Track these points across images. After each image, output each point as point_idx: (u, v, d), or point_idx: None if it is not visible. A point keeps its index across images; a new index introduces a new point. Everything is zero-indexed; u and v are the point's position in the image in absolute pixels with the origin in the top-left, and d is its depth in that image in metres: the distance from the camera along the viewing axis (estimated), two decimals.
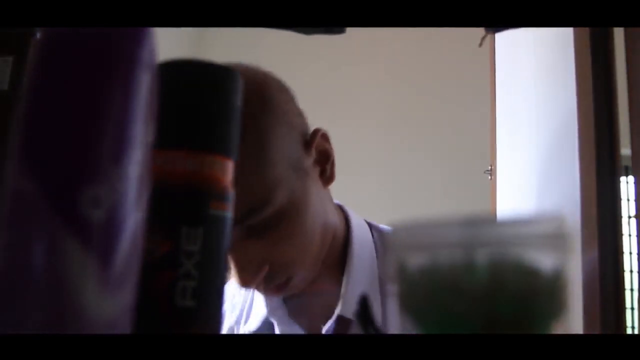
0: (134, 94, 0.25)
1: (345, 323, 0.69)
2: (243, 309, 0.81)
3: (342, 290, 0.70)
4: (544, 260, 0.25)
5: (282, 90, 0.65)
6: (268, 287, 0.65)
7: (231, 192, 0.32)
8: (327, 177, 0.69)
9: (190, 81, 0.32)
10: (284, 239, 0.63)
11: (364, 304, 0.37)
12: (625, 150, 0.68)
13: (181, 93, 0.31)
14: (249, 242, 0.61)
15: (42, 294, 0.22)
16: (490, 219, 0.25)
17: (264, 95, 0.62)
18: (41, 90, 0.24)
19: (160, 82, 0.26)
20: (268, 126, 0.61)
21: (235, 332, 0.79)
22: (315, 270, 0.69)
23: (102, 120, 0.24)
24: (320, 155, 0.69)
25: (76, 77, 0.24)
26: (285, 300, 0.73)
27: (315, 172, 0.68)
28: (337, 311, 0.68)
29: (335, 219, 0.72)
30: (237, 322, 0.80)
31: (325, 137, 0.70)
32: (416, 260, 0.26)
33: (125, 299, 0.24)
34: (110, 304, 0.23)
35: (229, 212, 0.32)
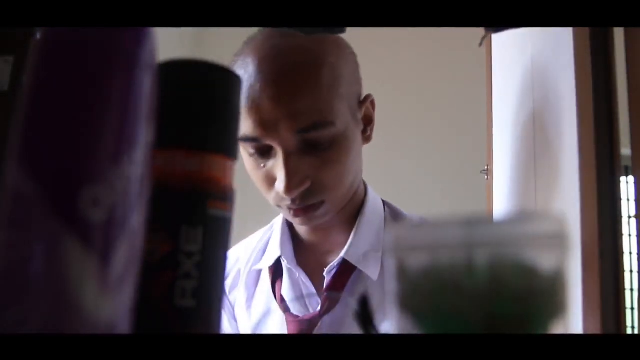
0: (134, 94, 0.25)
1: (348, 268, 0.78)
2: (254, 250, 0.89)
3: (351, 238, 0.79)
4: (544, 260, 0.25)
5: (353, 56, 0.79)
6: (302, 204, 0.73)
7: (231, 192, 0.32)
8: (367, 136, 0.82)
9: (190, 81, 0.32)
10: (330, 163, 0.72)
11: (364, 304, 0.37)
12: (625, 150, 0.68)
13: (181, 93, 0.31)
14: (302, 155, 0.71)
15: (42, 294, 0.22)
16: (490, 219, 0.25)
17: (343, 50, 0.76)
18: (41, 90, 0.24)
19: (160, 82, 0.26)
20: (342, 69, 0.73)
21: (243, 273, 0.87)
22: (337, 209, 0.78)
23: (102, 120, 0.24)
24: (366, 117, 0.81)
25: (76, 77, 0.24)
26: (295, 241, 0.83)
27: (360, 127, 0.79)
28: (342, 254, 0.77)
29: (361, 177, 0.84)
30: (247, 262, 0.88)
31: (373, 104, 0.82)
32: (416, 260, 0.26)
33: (125, 299, 0.24)
34: (110, 304, 0.23)
35: (229, 212, 0.32)
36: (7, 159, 0.23)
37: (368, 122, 0.81)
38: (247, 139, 0.72)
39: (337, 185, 0.75)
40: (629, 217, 0.70)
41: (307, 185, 0.72)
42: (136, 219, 0.24)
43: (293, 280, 0.83)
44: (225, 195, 0.31)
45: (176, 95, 0.31)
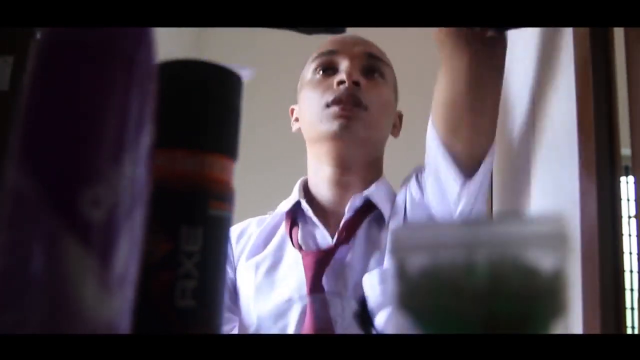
0: (134, 94, 0.25)
1: (367, 209, 0.91)
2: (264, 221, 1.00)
3: (373, 185, 0.93)
4: (543, 260, 0.25)
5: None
6: (349, 105, 0.89)
7: (231, 192, 0.32)
8: (396, 129, 1.04)
9: (190, 81, 0.32)
10: (379, 89, 0.94)
11: (363, 304, 0.37)
12: (625, 150, 0.68)
13: (181, 93, 0.31)
14: (361, 73, 0.92)
15: (42, 294, 0.22)
16: (489, 219, 0.25)
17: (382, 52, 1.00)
18: (41, 90, 0.24)
19: (160, 82, 0.26)
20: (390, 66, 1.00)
21: (254, 228, 0.99)
22: (369, 143, 0.94)
23: (102, 120, 0.24)
24: (398, 116, 1.04)
25: (76, 77, 0.24)
26: (312, 202, 0.95)
27: (394, 114, 1.02)
28: (366, 192, 0.91)
29: (383, 151, 1.00)
30: (259, 224, 1.00)
31: (401, 118, 1.06)
32: (416, 260, 0.26)
33: (125, 299, 0.24)
34: (110, 304, 0.23)
35: (229, 212, 0.32)
36: (7, 158, 0.23)
37: (400, 120, 1.04)
38: (323, 53, 0.95)
39: (378, 110, 0.93)
40: (629, 217, 0.70)
41: (359, 87, 0.90)
42: (136, 219, 0.24)
43: (308, 229, 0.93)
44: (225, 195, 0.31)
45: (176, 95, 0.31)
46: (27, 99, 0.24)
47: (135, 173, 0.24)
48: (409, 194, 0.93)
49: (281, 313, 0.86)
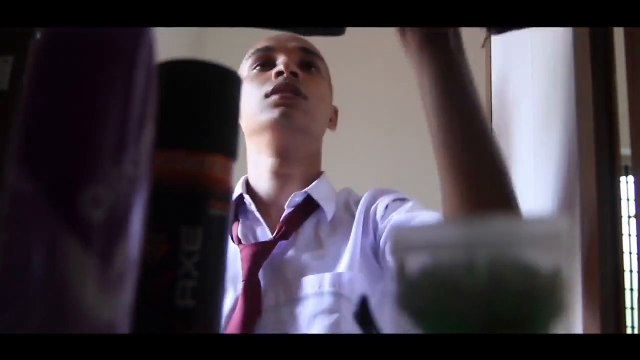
0: (134, 94, 0.25)
1: (308, 206, 0.91)
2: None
3: (315, 182, 0.93)
4: (544, 260, 0.25)
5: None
6: (289, 93, 0.90)
7: (231, 192, 0.32)
8: (334, 124, 1.04)
9: (190, 81, 0.32)
10: (316, 82, 0.95)
11: (363, 303, 0.37)
12: (625, 150, 0.68)
13: (181, 93, 0.31)
14: (298, 67, 0.93)
15: (42, 294, 0.22)
16: (489, 219, 0.25)
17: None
18: (41, 90, 0.24)
19: (160, 82, 0.26)
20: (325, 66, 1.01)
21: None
22: (308, 134, 0.93)
23: (102, 120, 0.24)
24: (335, 112, 1.04)
25: (76, 77, 0.24)
26: (255, 198, 0.94)
27: (331, 107, 1.02)
28: (307, 189, 0.91)
29: (320, 150, 1.01)
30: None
31: (336, 113, 1.05)
32: (416, 260, 0.26)
33: (125, 299, 0.24)
34: (110, 304, 0.23)
35: (229, 212, 0.32)
36: (8, 159, 0.23)
37: (336, 115, 1.05)
38: (259, 50, 0.96)
39: (316, 104, 0.93)
40: (629, 217, 0.70)
41: (298, 79, 0.91)
42: (136, 219, 0.24)
43: (249, 224, 0.93)
44: (225, 195, 0.31)
45: (176, 95, 0.31)
46: (27, 99, 0.24)
47: (135, 173, 0.24)
48: (372, 218, 0.90)
49: None
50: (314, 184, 0.94)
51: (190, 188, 0.30)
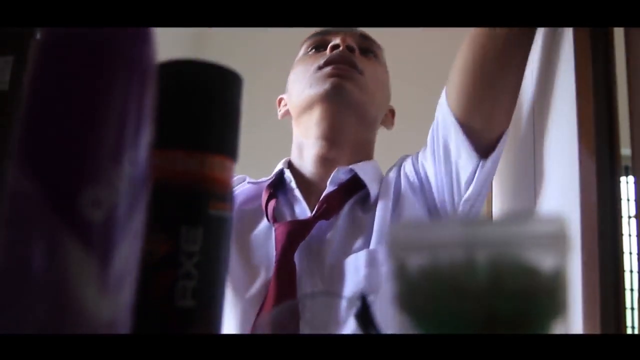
0: (134, 94, 0.25)
1: (352, 185, 0.83)
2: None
3: (361, 163, 0.86)
4: (544, 260, 0.25)
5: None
6: (344, 65, 0.84)
7: (231, 192, 0.32)
8: (390, 122, 1.01)
9: (190, 81, 0.32)
10: (373, 65, 0.90)
11: (364, 303, 0.37)
12: (625, 150, 0.68)
13: (181, 93, 0.31)
14: (357, 44, 0.89)
15: (42, 294, 0.22)
16: (490, 219, 0.25)
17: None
18: (41, 91, 0.24)
19: (160, 82, 0.26)
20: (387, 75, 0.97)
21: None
22: (361, 113, 0.87)
23: (102, 120, 0.24)
24: (390, 111, 1.00)
25: (76, 77, 0.24)
26: (297, 178, 0.87)
27: (388, 104, 0.99)
28: (352, 166, 0.84)
29: (375, 132, 0.95)
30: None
31: (393, 112, 1.02)
32: (416, 260, 0.26)
33: (125, 299, 0.24)
34: (110, 304, 0.23)
35: (229, 212, 0.32)
36: (8, 158, 0.23)
37: (391, 114, 1.01)
38: (315, 34, 0.92)
39: (372, 82, 0.87)
40: (629, 217, 0.70)
41: (354, 54, 0.86)
42: (136, 219, 0.24)
43: (287, 202, 0.85)
44: (225, 196, 0.31)
45: (176, 95, 0.31)
46: (27, 99, 0.24)
47: (135, 173, 0.24)
48: (403, 176, 0.85)
49: (246, 287, 0.76)
50: (361, 163, 0.86)
51: (190, 188, 0.30)
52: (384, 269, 0.73)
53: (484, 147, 0.78)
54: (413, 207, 0.82)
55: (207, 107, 0.32)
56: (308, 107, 0.85)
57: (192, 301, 0.29)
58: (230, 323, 0.74)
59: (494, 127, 0.79)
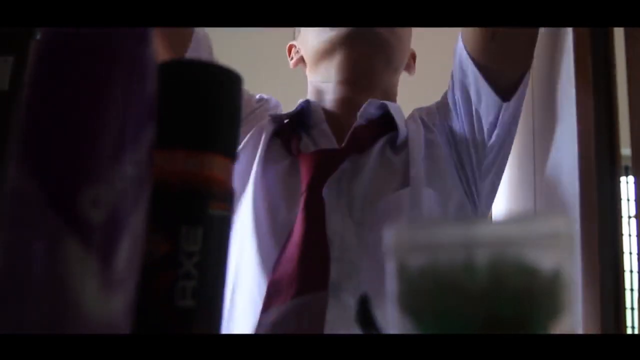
0: (134, 94, 0.25)
1: (385, 121, 0.78)
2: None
3: (389, 102, 0.80)
4: (544, 260, 0.25)
5: None
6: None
7: (231, 192, 0.32)
8: (411, 68, 0.93)
9: (190, 81, 0.32)
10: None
11: (364, 303, 0.37)
12: (625, 150, 0.68)
13: (181, 93, 0.31)
14: None
15: (42, 294, 0.22)
16: (490, 219, 0.25)
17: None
18: (41, 90, 0.24)
19: (160, 82, 0.26)
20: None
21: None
22: (386, 53, 0.81)
23: (102, 120, 0.24)
24: (412, 56, 0.93)
25: (76, 77, 0.24)
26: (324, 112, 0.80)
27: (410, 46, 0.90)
28: (385, 102, 0.78)
29: (397, 84, 0.89)
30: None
31: (414, 56, 0.94)
32: (416, 260, 0.26)
33: (125, 299, 0.24)
34: (110, 304, 0.23)
35: (229, 212, 0.32)
36: (8, 158, 0.23)
37: (413, 60, 0.93)
38: None
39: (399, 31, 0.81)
40: (629, 217, 0.70)
41: None
42: (136, 219, 0.24)
43: (313, 136, 0.78)
44: (225, 196, 0.31)
45: (176, 95, 0.31)
46: (27, 99, 0.24)
47: (135, 173, 0.24)
48: (424, 126, 0.80)
49: (268, 225, 0.69)
50: (389, 102, 0.79)
51: (190, 188, 0.30)
52: (426, 210, 0.69)
53: (505, 89, 0.74)
54: (441, 154, 0.77)
55: (207, 107, 0.32)
56: (328, 50, 0.78)
57: (192, 301, 0.29)
58: (252, 262, 0.67)
59: (515, 67, 0.75)
